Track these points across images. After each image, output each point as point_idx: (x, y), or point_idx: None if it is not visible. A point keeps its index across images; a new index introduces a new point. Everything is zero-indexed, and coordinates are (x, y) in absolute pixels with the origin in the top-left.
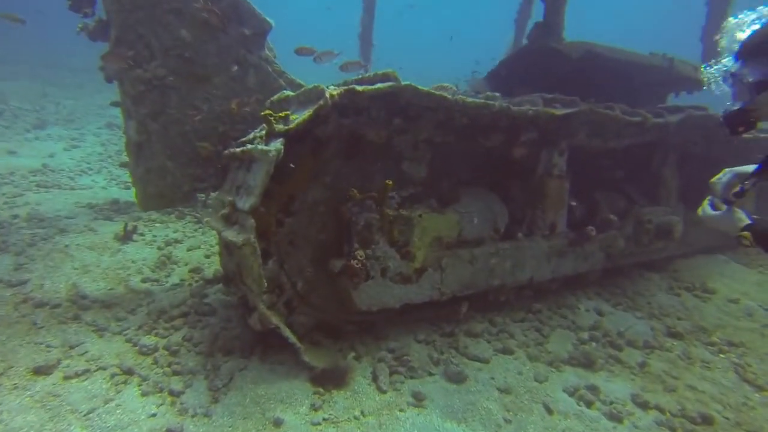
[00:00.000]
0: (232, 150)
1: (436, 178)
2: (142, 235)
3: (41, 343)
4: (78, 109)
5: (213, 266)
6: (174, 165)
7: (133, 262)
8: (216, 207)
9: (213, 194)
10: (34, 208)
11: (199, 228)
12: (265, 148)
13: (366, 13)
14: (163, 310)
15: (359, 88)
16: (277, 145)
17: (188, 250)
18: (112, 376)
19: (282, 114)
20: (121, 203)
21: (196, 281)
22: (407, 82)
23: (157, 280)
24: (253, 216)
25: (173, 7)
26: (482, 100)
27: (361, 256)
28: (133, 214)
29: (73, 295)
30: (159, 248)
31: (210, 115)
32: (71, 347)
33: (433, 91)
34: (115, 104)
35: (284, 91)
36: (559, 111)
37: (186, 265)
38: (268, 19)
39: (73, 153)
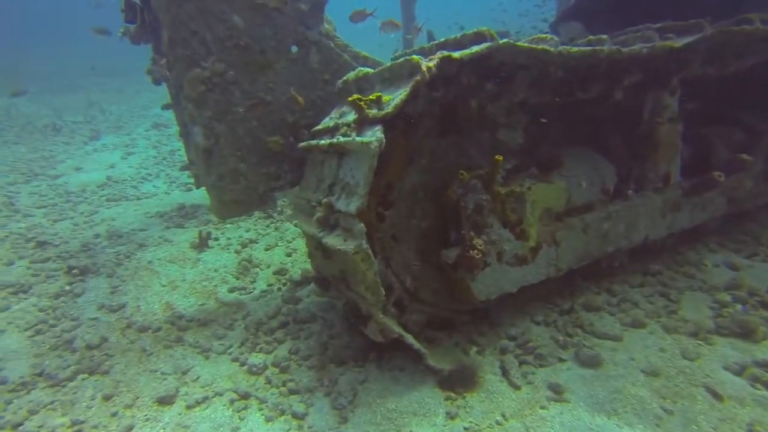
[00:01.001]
0: (311, 142)
1: (533, 143)
2: (216, 239)
3: (155, 371)
4: (123, 114)
5: (297, 265)
6: (246, 166)
7: (215, 270)
8: (300, 207)
9: (290, 192)
10: (110, 224)
11: (271, 223)
12: (364, 139)
13: None
14: (261, 321)
15: (456, 54)
16: (377, 134)
17: (266, 249)
18: (231, 402)
19: (372, 96)
20: (187, 207)
21: (284, 284)
22: (505, 40)
23: (244, 288)
24: (360, 218)
25: None
26: (589, 48)
27: (480, 246)
28: (202, 218)
29: (170, 316)
30: (236, 252)
31: (276, 105)
32: (183, 373)
33: (534, 46)
34: (166, 107)
35: (361, 69)
36: (678, 42)
37: (268, 267)
38: None
39: (131, 161)
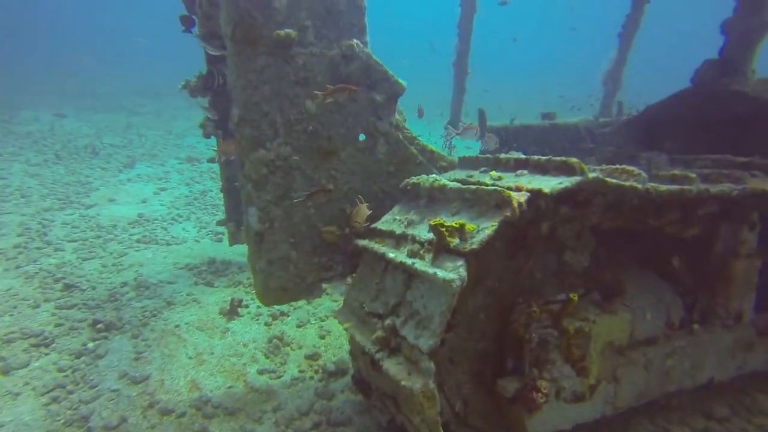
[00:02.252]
0: (372, 243)
1: (598, 267)
2: (246, 306)
3: None
4: (158, 141)
5: (330, 350)
6: (298, 254)
7: (244, 345)
8: (352, 308)
9: (344, 286)
10: (138, 271)
11: None
12: (446, 276)
13: (461, 41)
14: (292, 417)
15: (547, 190)
16: (460, 271)
17: (298, 326)
18: None
19: (455, 224)
20: (217, 263)
21: (317, 372)
22: (594, 176)
23: (274, 372)
24: (432, 357)
25: (300, 78)
26: (677, 188)
27: (544, 389)
28: (232, 277)
29: (196, 399)
30: (267, 324)
31: (336, 194)
32: None
33: (623, 183)
34: (211, 160)
35: (436, 178)
36: None
37: (300, 348)
38: (401, 81)
39: (163, 197)
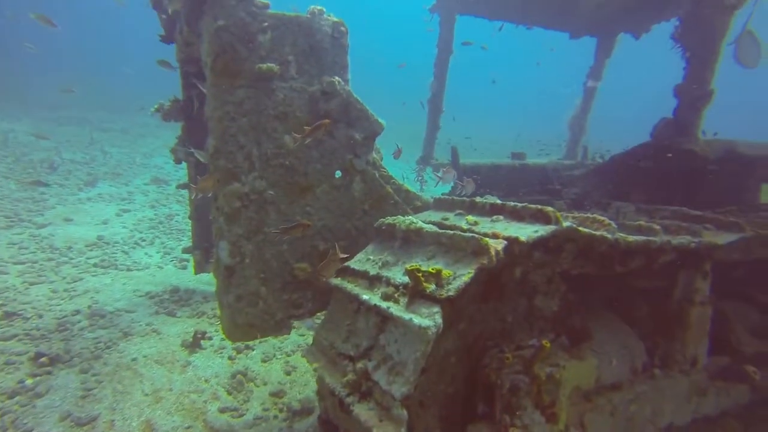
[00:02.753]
0: (344, 284)
1: (567, 311)
2: (210, 338)
3: None
4: (123, 159)
5: (295, 388)
6: (267, 290)
7: (206, 381)
8: (322, 347)
9: (311, 321)
10: (93, 297)
11: None
12: (422, 323)
13: (437, 81)
14: None
15: (523, 238)
16: (436, 318)
17: (263, 361)
18: None
19: (432, 269)
20: (181, 292)
21: (281, 411)
22: (569, 225)
23: (236, 409)
24: (404, 405)
25: (279, 112)
26: (643, 239)
27: None
28: (196, 307)
29: None
30: (230, 358)
31: (310, 231)
32: None
33: (594, 233)
34: (181, 186)
35: (412, 220)
36: (721, 240)
37: (265, 384)
38: (380, 120)
39: (125, 219)
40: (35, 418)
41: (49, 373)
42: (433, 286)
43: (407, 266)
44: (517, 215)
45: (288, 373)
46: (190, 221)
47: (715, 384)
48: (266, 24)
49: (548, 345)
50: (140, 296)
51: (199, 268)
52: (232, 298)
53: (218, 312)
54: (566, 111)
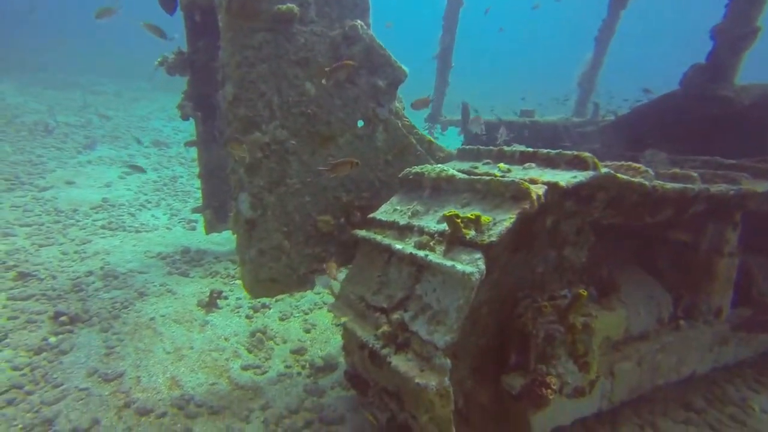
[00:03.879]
0: (373, 234)
1: (594, 263)
2: (225, 298)
3: None
4: (120, 123)
5: (316, 344)
6: (291, 244)
7: (225, 339)
8: (350, 302)
9: (326, 278)
10: (104, 259)
11: None
12: (466, 269)
13: (447, 34)
14: (281, 415)
15: (562, 183)
16: (479, 264)
17: (281, 320)
18: None
19: (470, 215)
20: (192, 252)
21: (304, 368)
22: (607, 171)
23: (258, 367)
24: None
25: (300, 57)
26: (681, 186)
27: (554, 384)
28: (209, 267)
29: (178, 398)
30: (248, 317)
31: (332, 182)
32: None
33: (632, 179)
34: (189, 144)
35: (443, 168)
36: (761, 188)
37: (284, 342)
38: (403, 67)
39: (129, 182)
40: (63, 373)
41: (70, 331)
42: (472, 232)
43: (445, 213)
44: (550, 162)
45: (307, 331)
46: (199, 179)
47: (736, 334)
48: None
49: (585, 294)
50: (151, 257)
51: (210, 228)
52: (254, 252)
53: (233, 270)
54: (576, 67)
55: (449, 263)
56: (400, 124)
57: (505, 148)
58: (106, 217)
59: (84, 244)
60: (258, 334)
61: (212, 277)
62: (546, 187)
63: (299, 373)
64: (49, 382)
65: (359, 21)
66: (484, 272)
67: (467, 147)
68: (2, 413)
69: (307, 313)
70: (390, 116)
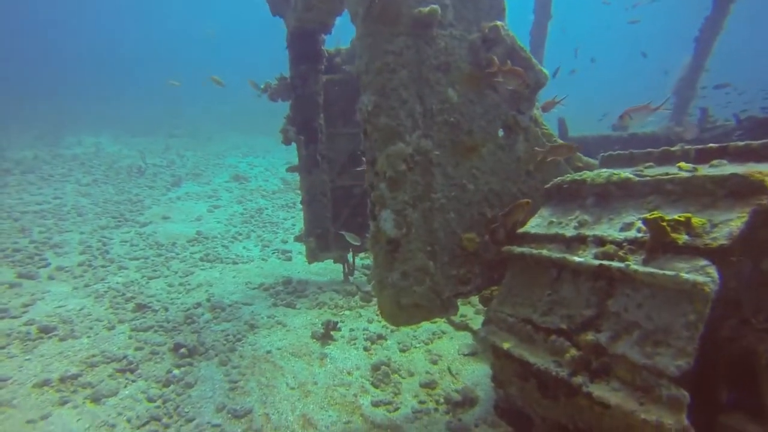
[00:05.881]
0: (541, 253)
1: None
2: (339, 329)
3: None
4: (200, 161)
5: (446, 377)
6: (436, 265)
7: (348, 373)
8: (507, 325)
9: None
10: (208, 291)
11: None
12: (697, 279)
13: (534, 50)
14: None
15: None
16: (708, 271)
17: (402, 351)
18: None
19: (680, 217)
20: (294, 283)
21: (439, 403)
22: None
23: (390, 403)
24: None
25: (441, 62)
26: None
27: None
28: (314, 298)
29: None
30: (366, 349)
31: (476, 197)
32: None
33: None
34: (291, 169)
35: (613, 172)
36: None
37: (411, 375)
38: (545, 70)
39: (217, 215)
40: (193, 407)
41: (190, 364)
42: (684, 236)
43: (647, 216)
44: (753, 155)
45: (434, 362)
46: (301, 206)
47: None
48: None
49: None
50: (254, 288)
51: (312, 257)
52: (397, 276)
53: (340, 300)
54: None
55: (669, 273)
56: (540, 133)
57: (673, 148)
58: (202, 249)
59: (187, 276)
60: (383, 367)
61: (320, 308)
62: None
63: (436, 409)
64: (182, 416)
65: (500, 22)
66: (718, 282)
67: (614, 153)
68: None
69: (427, 343)
70: (530, 124)
